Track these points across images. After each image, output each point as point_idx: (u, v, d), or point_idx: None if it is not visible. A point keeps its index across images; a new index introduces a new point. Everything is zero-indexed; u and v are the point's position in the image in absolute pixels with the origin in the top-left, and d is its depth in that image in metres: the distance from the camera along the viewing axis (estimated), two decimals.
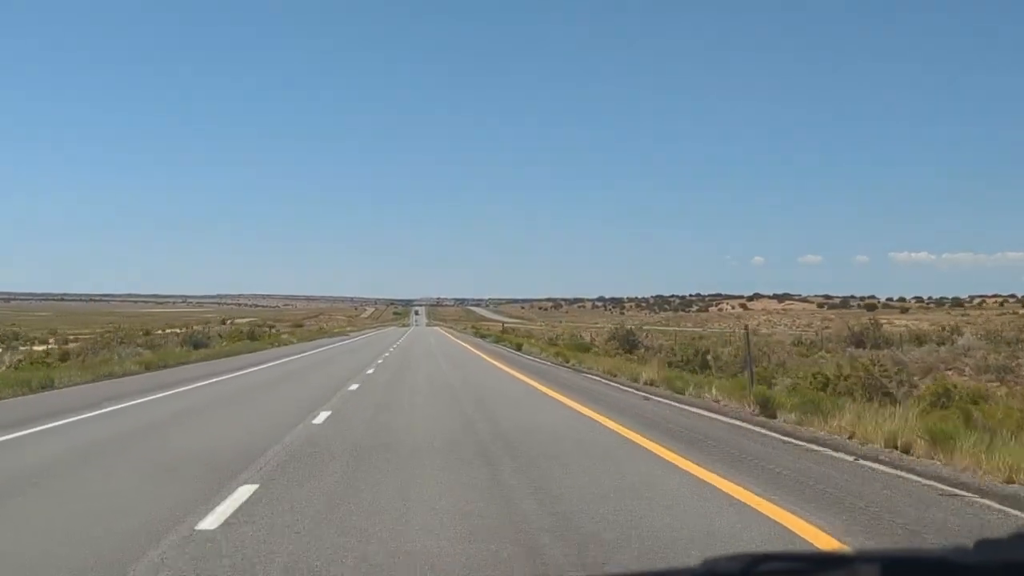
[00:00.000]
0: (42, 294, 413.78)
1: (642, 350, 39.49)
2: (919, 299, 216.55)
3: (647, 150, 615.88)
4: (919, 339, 52.34)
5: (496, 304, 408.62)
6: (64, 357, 37.05)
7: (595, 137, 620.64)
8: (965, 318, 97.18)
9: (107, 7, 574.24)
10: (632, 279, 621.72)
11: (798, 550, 4.56)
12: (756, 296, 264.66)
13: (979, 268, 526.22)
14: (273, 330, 76.42)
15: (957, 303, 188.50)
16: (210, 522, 5.70)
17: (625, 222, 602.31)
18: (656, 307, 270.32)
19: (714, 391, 14.07)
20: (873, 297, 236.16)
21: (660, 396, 15.43)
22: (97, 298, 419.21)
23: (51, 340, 61.27)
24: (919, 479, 7.23)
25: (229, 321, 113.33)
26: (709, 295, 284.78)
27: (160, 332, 61.07)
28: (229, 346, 44.84)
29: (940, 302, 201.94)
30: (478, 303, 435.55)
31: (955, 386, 19.40)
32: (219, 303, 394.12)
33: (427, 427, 11.28)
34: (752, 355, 14.40)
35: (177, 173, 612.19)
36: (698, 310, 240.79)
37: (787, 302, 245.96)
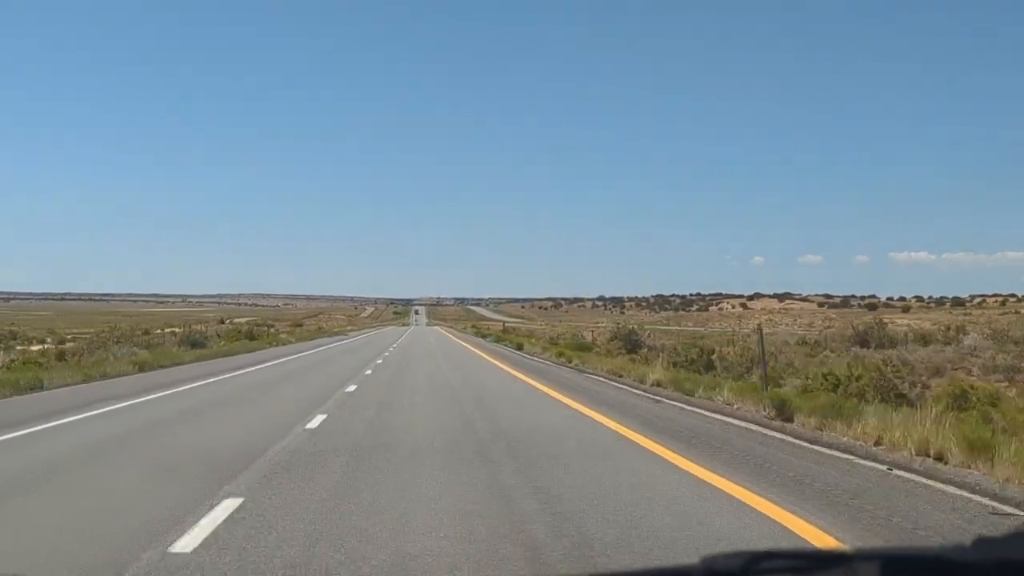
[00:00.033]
0: (42, 294, 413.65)
1: (645, 350, 38.87)
2: (919, 299, 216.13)
3: (647, 150, 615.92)
4: (924, 339, 51.83)
5: (496, 304, 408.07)
6: (60, 357, 36.66)
7: (595, 137, 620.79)
8: (967, 317, 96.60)
9: (107, 7, 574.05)
10: (632, 279, 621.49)
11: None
12: (756, 296, 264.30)
13: (979, 268, 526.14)
14: (272, 330, 75.85)
15: (958, 303, 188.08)
16: (182, 546, 5.14)
17: (625, 222, 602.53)
18: (656, 307, 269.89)
19: (726, 393, 13.49)
20: (874, 297, 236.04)
21: (669, 398, 14.86)
22: (97, 298, 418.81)
23: (48, 340, 60.95)
24: (964, 493, 6.66)
25: (228, 321, 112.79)
26: (709, 295, 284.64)
27: (159, 332, 60.69)
28: (226, 346, 44.30)
29: (940, 302, 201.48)
30: (478, 303, 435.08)
31: (972, 387, 18.84)
32: (219, 303, 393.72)
33: (427, 426, 11.21)
34: (764, 356, 13.81)
35: (177, 173, 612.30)
36: (698, 309, 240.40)
37: (787, 301, 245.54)
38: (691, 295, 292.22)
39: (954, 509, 6.20)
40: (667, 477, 7.38)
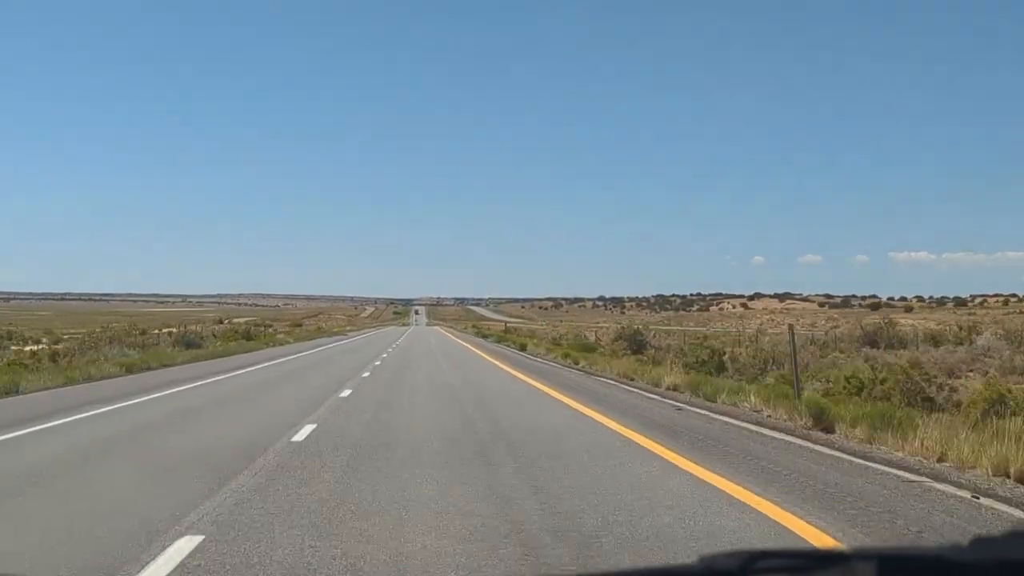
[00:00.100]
0: (42, 294, 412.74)
1: (652, 351, 37.78)
2: (920, 298, 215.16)
3: (647, 150, 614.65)
4: (935, 339, 50.77)
5: (496, 304, 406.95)
6: (53, 357, 35.80)
7: (595, 137, 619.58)
8: (972, 317, 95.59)
9: (107, 7, 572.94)
10: (632, 279, 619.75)
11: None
12: (757, 296, 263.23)
13: (979, 268, 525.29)
14: (270, 330, 74.80)
15: (960, 303, 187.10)
16: None
17: (625, 222, 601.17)
18: (657, 306, 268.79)
19: (753, 399, 12.37)
20: (874, 297, 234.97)
21: (690, 404, 13.70)
22: (97, 298, 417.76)
23: (44, 340, 60.16)
24: None
25: (227, 321, 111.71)
26: (710, 295, 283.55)
27: (156, 332, 59.92)
28: (222, 347, 43.28)
29: (941, 302, 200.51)
30: (478, 303, 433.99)
31: (1009, 391, 17.75)
32: (219, 303, 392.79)
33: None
34: (796, 358, 12.73)
35: (177, 173, 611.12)
36: (699, 310, 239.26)
37: (788, 301, 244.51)
38: (691, 295, 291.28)
39: None
40: (712, 503, 6.31)
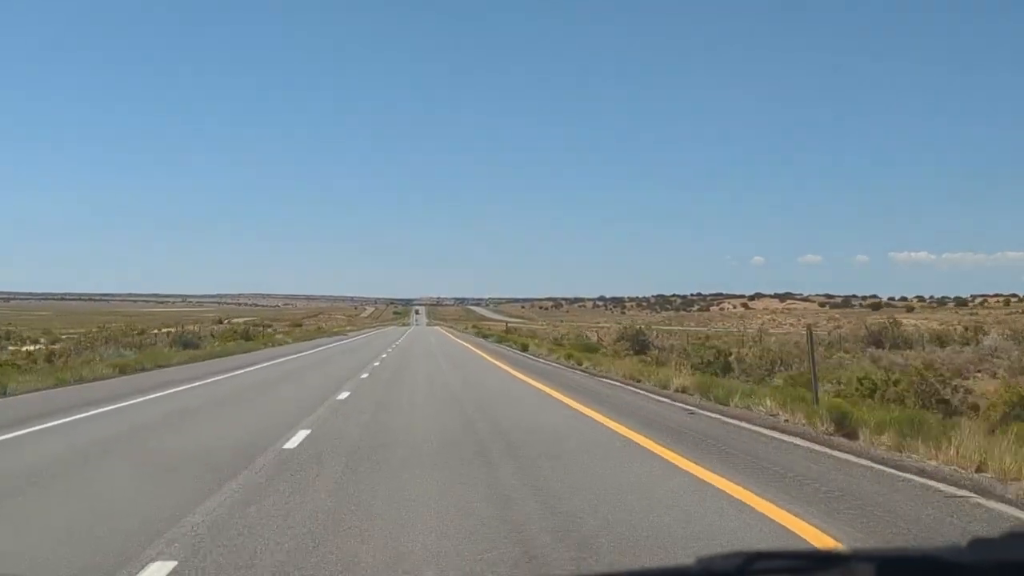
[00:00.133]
0: (42, 294, 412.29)
1: (656, 351, 37.28)
2: (920, 298, 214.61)
3: (647, 150, 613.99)
4: (940, 339, 50.23)
5: (496, 304, 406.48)
6: (50, 357, 35.36)
7: (595, 137, 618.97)
8: (974, 317, 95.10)
9: (107, 7, 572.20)
10: (632, 279, 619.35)
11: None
12: (757, 296, 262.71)
13: (979, 268, 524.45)
14: (269, 330, 74.37)
15: (961, 303, 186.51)
16: None
17: (625, 222, 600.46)
18: (657, 307, 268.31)
19: (768, 402, 11.81)
20: (875, 297, 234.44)
21: (701, 407, 13.10)
22: (97, 298, 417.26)
23: (43, 340, 59.77)
24: None
25: (226, 321, 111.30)
26: (710, 295, 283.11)
27: (155, 332, 59.62)
28: (220, 347, 42.79)
29: (942, 301, 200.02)
30: (478, 303, 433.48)
31: None
32: (219, 303, 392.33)
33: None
34: (814, 360, 12.18)
35: (177, 173, 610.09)
36: (699, 310, 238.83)
37: (788, 301, 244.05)
38: (692, 295, 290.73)
39: None
40: (743, 524, 5.79)
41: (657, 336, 50.82)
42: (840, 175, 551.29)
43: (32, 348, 45.84)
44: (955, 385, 19.66)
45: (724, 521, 5.72)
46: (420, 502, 6.25)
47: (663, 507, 6.14)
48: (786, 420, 10.82)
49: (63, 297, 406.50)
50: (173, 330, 55.12)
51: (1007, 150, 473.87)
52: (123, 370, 23.39)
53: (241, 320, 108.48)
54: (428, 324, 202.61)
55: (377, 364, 28.47)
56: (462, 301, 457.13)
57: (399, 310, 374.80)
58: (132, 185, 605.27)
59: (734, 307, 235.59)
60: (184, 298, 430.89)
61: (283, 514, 5.93)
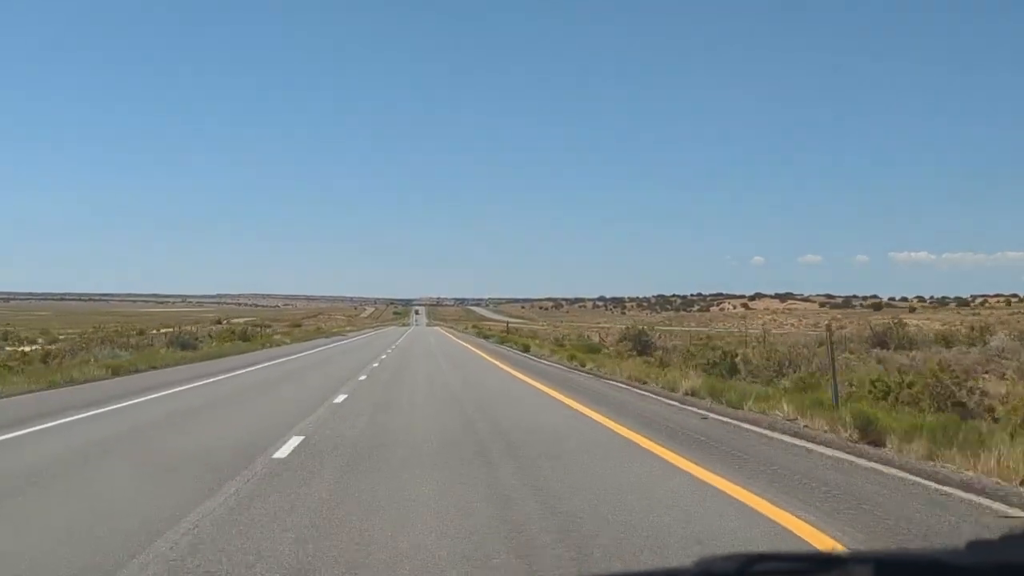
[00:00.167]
0: (42, 294, 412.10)
1: (660, 352, 36.71)
2: (920, 299, 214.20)
3: (647, 150, 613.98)
4: (946, 340, 49.73)
5: (496, 304, 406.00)
6: (45, 358, 34.93)
7: (595, 137, 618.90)
8: (976, 318, 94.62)
9: (107, 7, 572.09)
10: (632, 279, 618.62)
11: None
12: (758, 296, 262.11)
13: (979, 268, 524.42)
14: (268, 330, 73.84)
15: (962, 303, 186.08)
16: None
17: (625, 222, 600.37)
18: (657, 307, 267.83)
19: (785, 406, 11.24)
20: (875, 297, 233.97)
21: (711, 411, 12.48)
22: (97, 298, 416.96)
23: (40, 340, 59.39)
24: None
25: (225, 321, 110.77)
26: (710, 295, 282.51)
27: (154, 332, 59.31)
28: (217, 347, 42.29)
29: (943, 301, 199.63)
30: (478, 303, 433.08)
31: None
32: (219, 303, 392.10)
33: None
34: (834, 362, 11.63)
35: (177, 173, 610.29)
36: (699, 310, 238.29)
37: (789, 302, 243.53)
38: (692, 295, 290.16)
39: None
40: (775, 544, 5.24)
41: (659, 337, 50.25)
42: (840, 175, 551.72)
43: (28, 349, 45.44)
44: (970, 387, 19.13)
45: (751, 533, 5.18)
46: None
47: (698, 520, 5.64)
48: (806, 426, 10.27)
49: (63, 297, 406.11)
50: (171, 330, 54.77)
51: (1007, 150, 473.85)
52: (116, 371, 22.86)
53: (240, 320, 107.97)
54: (428, 324, 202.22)
55: (376, 365, 28.05)
56: (462, 301, 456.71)
57: (399, 310, 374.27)
58: (132, 185, 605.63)
59: (734, 307, 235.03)
60: (184, 298, 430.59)
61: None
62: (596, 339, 53.81)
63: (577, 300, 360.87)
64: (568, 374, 23.85)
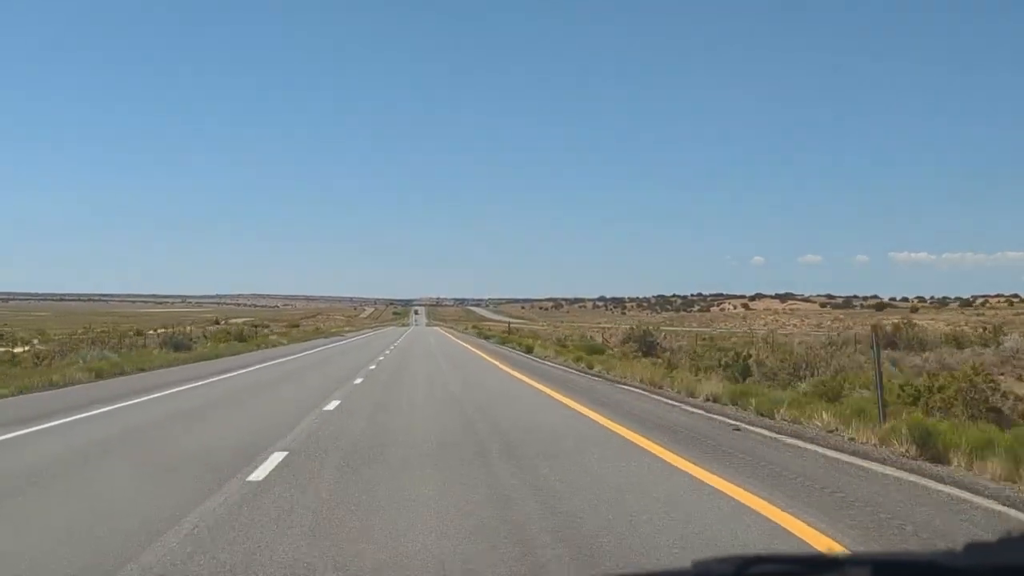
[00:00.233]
0: (42, 294, 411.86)
1: (666, 353, 35.68)
2: (920, 299, 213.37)
3: (647, 150, 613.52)
4: (957, 341, 48.71)
5: (496, 304, 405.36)
6: (37, 358, 34.09)
7: (595, 137, 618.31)
8: (981, 318, 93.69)
9: (107, 7, 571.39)
10: (632, 279, 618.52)
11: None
12: (758, 296, 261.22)
13: (979, 268, 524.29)
14: (265, 331, 72.83)
15: (965, 303, 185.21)
16: None
17: (625, 222, 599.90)
18: (658, 307, 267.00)
19: (825, 416, 10.12)
20: (875, 297, 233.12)
21: (742, 420, 11.26)
22: (97, 298, 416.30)
23: (37, 340, 58.62)
24: None
25: (224, 321, 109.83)
26: (711, 295, 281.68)
27: (153, 332, 58.58)
28: (211, 348, 41.29)
29: (943, 302, 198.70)
30: (478, 303, 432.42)
31: None
32: (219, 303, 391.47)
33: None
34: (880, 369, 10.56)
35: (177, 173, 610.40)
36: (700, 310, 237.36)
37: (789, 302, 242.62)
38: (692, 295, 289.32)
39: None
40: None
41: (664, 337, 49.24)
42: (840, 175, 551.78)
43: (23, 349, 44.60)
44: (1004, 391, 18.10)
45: None
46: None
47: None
48: (851, 439, 9.17)
49: (63, 298, 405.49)
50: (166, 330, 54.02)
51: (1007, 150, 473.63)
52: (99, 374, 21.81)
53: (238, 321, 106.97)
54: (428, 325, 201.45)
55: (373, 367, 27.15)
56: (462, 302, 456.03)
57: (398, 310, 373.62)
58: (132, 185, 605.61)
59: (735, 308, 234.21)
60: (184, 298, 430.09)
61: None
62: (599, 340, 52.86)
63: (577, 300, 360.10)
64: (577, 377, 22.75)
